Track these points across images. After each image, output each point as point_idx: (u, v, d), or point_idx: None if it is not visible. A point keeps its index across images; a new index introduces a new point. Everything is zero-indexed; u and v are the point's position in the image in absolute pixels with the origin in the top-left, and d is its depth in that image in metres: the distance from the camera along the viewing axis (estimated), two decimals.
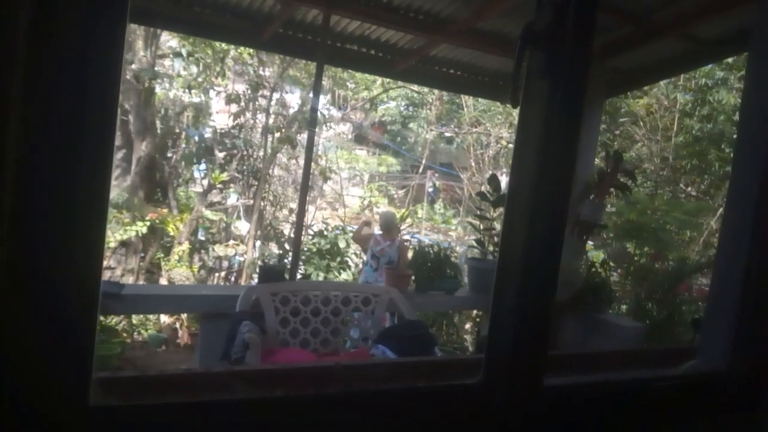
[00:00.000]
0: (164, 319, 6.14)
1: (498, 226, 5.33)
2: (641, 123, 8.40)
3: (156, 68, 6.91)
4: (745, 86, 1.72)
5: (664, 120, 8.02)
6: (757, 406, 1.41)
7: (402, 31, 4.71)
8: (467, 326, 6.47)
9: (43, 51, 0.73)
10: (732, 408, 1.40)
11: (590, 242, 7.12)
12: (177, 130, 7.23)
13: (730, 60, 7.10)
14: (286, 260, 5.44)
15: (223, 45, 7.51)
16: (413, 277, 4.84)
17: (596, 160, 5.60)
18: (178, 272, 6.57)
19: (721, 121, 7.41)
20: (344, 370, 1.29)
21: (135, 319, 6.16)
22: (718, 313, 1.57)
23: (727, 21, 4.26)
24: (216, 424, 0.89)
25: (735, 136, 1.61)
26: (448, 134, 14.29)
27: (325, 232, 8.02)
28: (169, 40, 7.50)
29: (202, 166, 7.53)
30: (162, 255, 7.07)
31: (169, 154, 7.34)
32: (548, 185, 1.08)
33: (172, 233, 6.92)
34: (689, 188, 8.47)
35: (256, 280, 5.70)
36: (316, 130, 9.52)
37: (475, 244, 5.36)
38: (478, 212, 5.88)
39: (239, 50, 7.86)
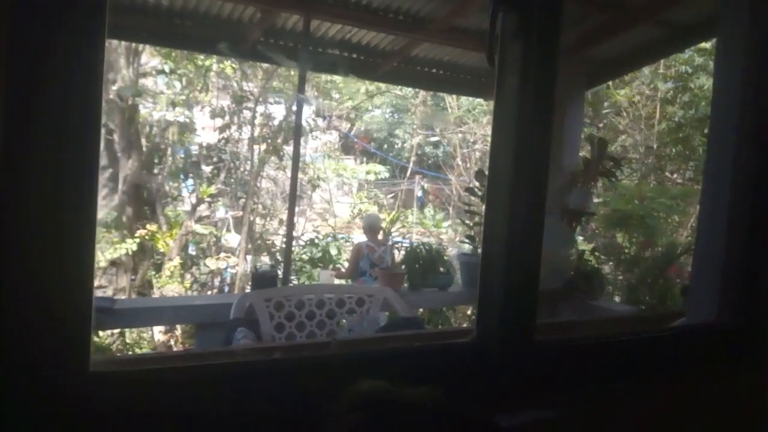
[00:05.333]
0: (158, 336, 6.10)
1: None
2: (624, 113, 8.49)
3: (139, 87, 6.91)
4: (715, 69, 1.77)
5: (646, 109, 8.12)
6: (746, 354, 1.44)
7: (382, 32, 4.76)
8: (465, 324, 6.48)
9: (23, 71, 0.74)
10: (722, 358, 1.43)
11: (580, 236, 7.20)
12: (162, 147, 7.23)
13: (707, 45, 7.21)
14: (278, 268, 5.44)
15: (206, 60, 7.52)
16: (406, 276, 4.86)
17: (582, 152, 5.66)
18: (170, 288, 6.54)
19: (703, 107, 7.50)
20: (341, 345, 1.31)
21: (128, 338, 6.11)
22: (703, 271, 1.60)
23: (700, 4, 4.34)
24: (218, 386, 0.89)
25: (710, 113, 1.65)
26: (434, 138, 14.35)
27: (317, 240, 8.02)
28: (150, 61, 7.51)
29: (189, 182, 7.52)
30: (153, 272, 7.04)
31: (156, 171, 7.33)
32: (527, 141, 1.10)
33: (162, 250, 6.89)
34: (674, 175, 8.56)
35: (249, 290, 5.68)
36: (302, 140, 9.55)
37: (466, 240, 5.39)
38: (467, 208, 5.92)
39: (222, 64, 7.88)
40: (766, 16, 1.47)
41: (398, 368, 1.06)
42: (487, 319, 1.13)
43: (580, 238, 6.96)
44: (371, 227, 5.75)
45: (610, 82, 7.70)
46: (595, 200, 7.12)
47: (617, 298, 6.29)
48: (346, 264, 8.09)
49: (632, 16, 4.43)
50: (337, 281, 5.82)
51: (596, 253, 6.00)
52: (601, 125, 9.29)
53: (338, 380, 0.99)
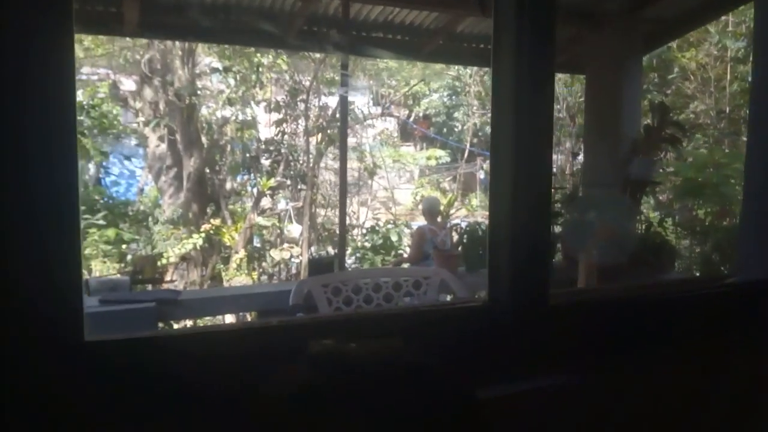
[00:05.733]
0: None
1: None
2: (692, 77, 8.01)
3: (195, 87, 7.16)
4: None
5: (715, 71, 7.62)
6: None
7: (424, 10, 4.68)
8: None
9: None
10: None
11: (651, 209, 6.88)
12: (221, 143, 7.46)
13: None
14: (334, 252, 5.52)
15: (259, 55, 7.68)
16: (463, 258, 4.80)
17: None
18: (238, 280, 6.77)
19: None
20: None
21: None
22: (752, 228, 1.48)
23: None
24: (222, 351, 0.90)
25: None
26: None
27: (377, 228, 8.06)
28: (203, 60, 7.75)
29: (246, 176, 7.73)
30: (222, 265, 7.29)
31: (217, 168, 7.58)
32: (527, 91, 1.05)
33: (228, 243, 7.13)
34: None
35: None
36: (359, 128, 9.60)
37: None
38: None
39: (275, 59, 8.02)
40: None
41: (410, 330, 1.03)
42: (498, 283, 1.08)
43: (652, 211, 6.65)
44: (431, 210, 5.71)
45: (674, 45, 7.27)
46: (667, 170, 6.78)
47: (697, 273, 5.97)
48: (408, 250, 8.13)
49: None
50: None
51: (665, 225, 5.70)
52: (669, 91, 8.82)
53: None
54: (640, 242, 4.95)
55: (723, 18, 7.11)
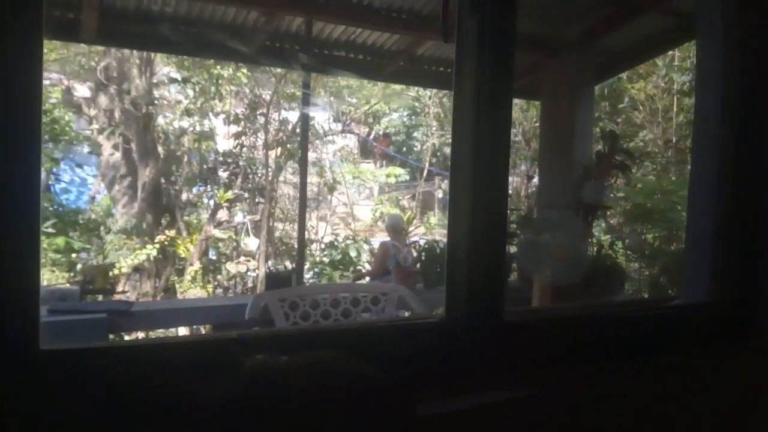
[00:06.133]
0: None
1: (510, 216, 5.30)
2: (641, 107, 8.36)
3: (152, 96, 7.05)
4: (697, 54, 1.75)
5: (663, 102, 7.98)
6: (743, 334, 1.40)
7: (386, 32, 4.77)
8: None
9: None
10: (717, 337, 1.39)
11: (601, 231, 7.10)
12: (178, 154, 7.35)
13: None
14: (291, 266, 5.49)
15: (218, 67, 7.63)
16: (421, 275, 4.85)
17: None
18: (192, 293, 6.64)
19: None
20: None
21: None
22: (696, 252, 1.57)
23: None
24: (174, 361, 0.90)
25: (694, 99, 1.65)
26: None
27: (336, 243, 8.05)
28: (162, 70, 7.65)
29: (203, 187, 7.62)
30: (176, 277, 7.15)
31: (173, 178, 7.45)
32: (486, 115, 1.09)
33: (183, 255, 7.00)
34: None
35: None
36: (319, 144, 9.61)
37: None
38: None
39: (235, 72, 7.98)
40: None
41: (369, 344, 1.05)
42: (455, 300, 1.12)
43: (603, 234, 6.86)
44: (394, 227, 5.76)
45: (624, 76, 7.59)
46: (618, 195, 7.02)
47: (645, 294, 6.18)
48: (367, 266, 8.14)
49: (641, 5, 4.36)
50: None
51: (615, 248, 5.90)
52: (619, 120, 9.16)
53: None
54: (592, 264, 5.11)
55: (670, 53, 7.48)
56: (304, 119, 5.00)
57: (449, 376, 1.05)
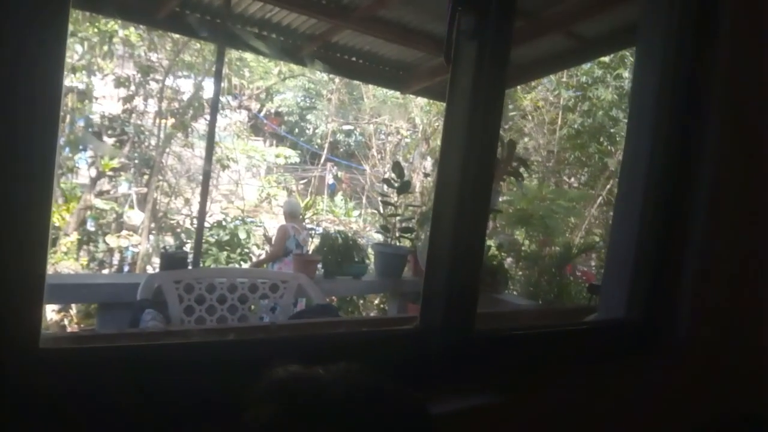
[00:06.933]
0: (51, 316, 5.70)
1: (402, 213, 5.46)
2: (529, 117, 8.92)
3: None
4: (634, 73, 1.90)
5: (549, 114, 8.57)
6: (651, 348, 1.58)
7: (303, 15, 4.69)
8: (372, 313, 6.58)
9: None
10: (630, 350, 1.56)
11: (491, 236, 7.50)
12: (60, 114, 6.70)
13: (606, 59, 7.72)
14: (186, 248, 5.24)
15: (110, 24, 7.06)
16: (320, 264, 4.86)
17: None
18: (65, 265, 6.12)
19: (599, 116, 8.04)
20: (278, 329, 1.30)
21: None
22: (614, 270, 1.74)
23: (607, 21, 4.65)
24: (170, 364, 0.87)
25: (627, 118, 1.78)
26: (347, 126, 14.31)
27: (224, 223, 7.79)
28: None
29: (88, 153, 7.03)
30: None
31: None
32: (476, 139, 1.15)
33: (57, 224, 6.42)
34: (572, 179, 9.12)
35: (152, 271, 5.44)
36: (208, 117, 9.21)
37: (381, 231, 5.46)
38: (382, 198, 6.00)
39: (127, 31, 7.41)
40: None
41: (343, 353, 1.07)
42: (431, 309, 1.17)
43: (489, 237, 7.24)
44: (292, 213, 5.70)
45: (518, 87, 8.05)
46: (502, 198, 7.45)
47: (515, 293, 6.63)
48: (255, 249, 7.97)
49: (547, 25, 4.66)
50: None
51: (500, 250, 6.28)
52: (507, 126, 9.71)
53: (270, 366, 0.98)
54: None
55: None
56: (216, 92, 4.79)
57: (422, 384, 1.10)
